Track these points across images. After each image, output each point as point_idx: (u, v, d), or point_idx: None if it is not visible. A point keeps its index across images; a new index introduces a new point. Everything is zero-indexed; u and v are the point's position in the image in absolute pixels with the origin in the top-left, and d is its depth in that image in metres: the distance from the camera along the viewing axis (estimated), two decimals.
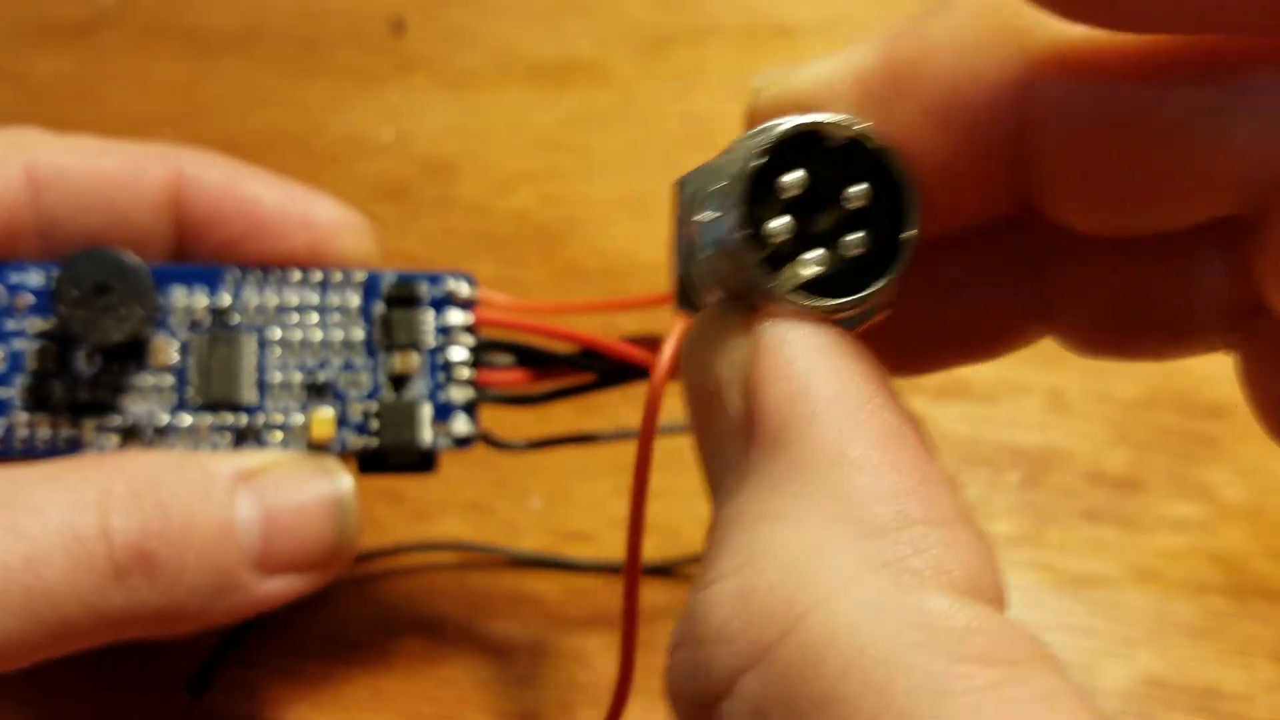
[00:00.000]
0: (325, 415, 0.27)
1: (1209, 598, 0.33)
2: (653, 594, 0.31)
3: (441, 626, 0.34)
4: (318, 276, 0.28)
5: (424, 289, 0.28)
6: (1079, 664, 0.32)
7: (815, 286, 0.17)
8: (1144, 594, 0.34)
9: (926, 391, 0.38)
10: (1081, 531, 0.35)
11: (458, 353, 0.28)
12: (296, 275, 0.28)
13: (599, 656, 0.33)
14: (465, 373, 0.28)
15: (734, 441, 0.16)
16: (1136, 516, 0.35)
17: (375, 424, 0.27)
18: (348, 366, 0.28)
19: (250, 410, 0.27)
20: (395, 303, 0.28)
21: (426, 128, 0.47)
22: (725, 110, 0.46)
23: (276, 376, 0.27)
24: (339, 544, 0.26)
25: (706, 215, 0.17)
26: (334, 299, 0.28)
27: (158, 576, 0.24)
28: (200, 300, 0.27)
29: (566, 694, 0.33)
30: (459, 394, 0.28)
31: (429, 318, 0.28)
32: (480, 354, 0.28)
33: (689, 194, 0.18)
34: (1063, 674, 0.13)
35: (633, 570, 0.24)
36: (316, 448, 0.27)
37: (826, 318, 0.16)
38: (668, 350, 0.23)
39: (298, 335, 0.28)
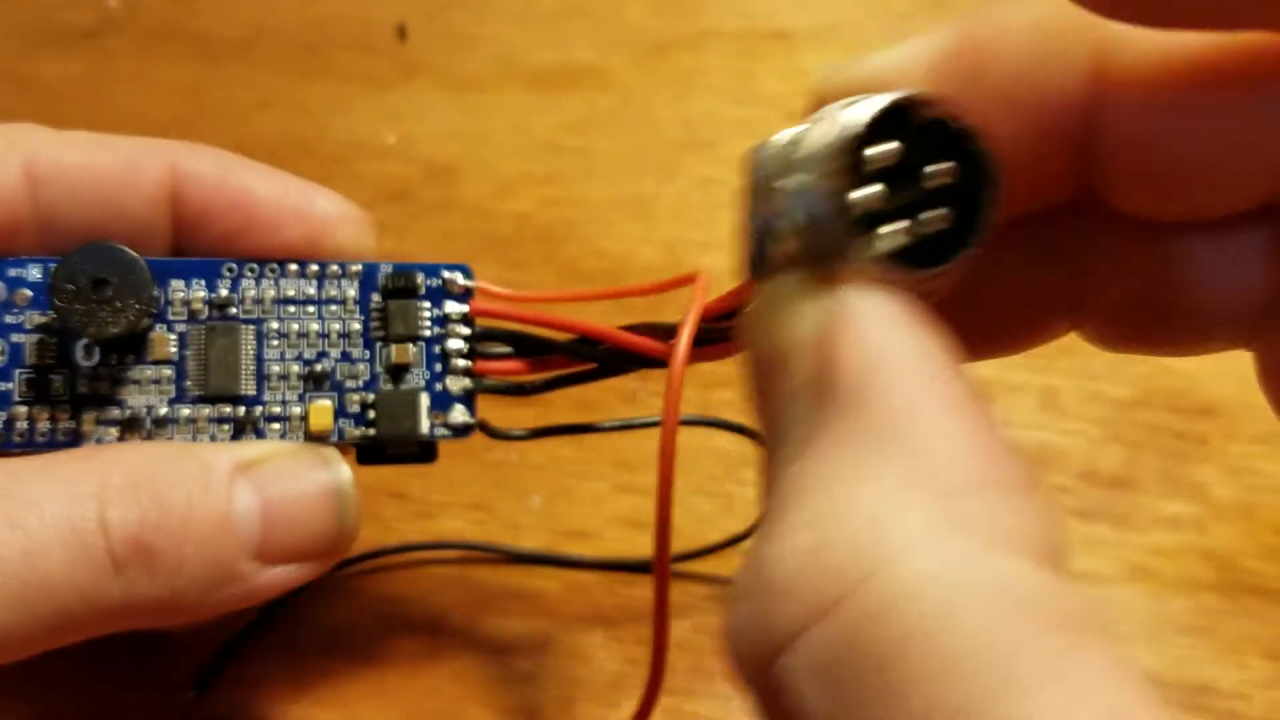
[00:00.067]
0: (323, 406, 0.27)
1: (1202, 596, 0.33)
2: (652, 592, 0.31)
3: (443, 623, 0.34)
4: (315, 268, 0.28)
5: (421, 280, 0.28)
6: None
7: (890, 259, 0.17)
8: (1137, 592, 0.34)
9: None
10: (1075, 530, 0.35)
11: (455, 343, 0.28)
12: (294, 267, 0.28)
13: (599, 653, 0.33)
14: (463, 363, 0.28)
15: (804, 402, 0.16)
16: (1129, 515, 0.35)
17: (373, 414, 0.28)
18: (345, 357, 0.28)
19: (249, 402, 0.27)
20: (392, 294, 0.28)
21: (428, 131, 0.47)
22: (724, 113, 0.47)
23: (274, 368, 0.28)
24: (338, 533, 0.26)
25: (794, 181, 0.17)
26: (331, 290, 0.28)
27: (156, 568, 0.24)
28: (198, 293, 0.27)
29: (567, 690, 0.33)
30: (456, 384, 0.28)
31: (426, 308, 0.28)
32: (477, 344, 0.28)
33: (768, 161, 0.18)
34: (1120, 647, 0.13)
35: (662, 561, 0.24)
36: (315, 438, 0.27)
37: (907, 287, 0.17)
38: (685, 334, 0.23)
39: (295, 327, 0.28)
